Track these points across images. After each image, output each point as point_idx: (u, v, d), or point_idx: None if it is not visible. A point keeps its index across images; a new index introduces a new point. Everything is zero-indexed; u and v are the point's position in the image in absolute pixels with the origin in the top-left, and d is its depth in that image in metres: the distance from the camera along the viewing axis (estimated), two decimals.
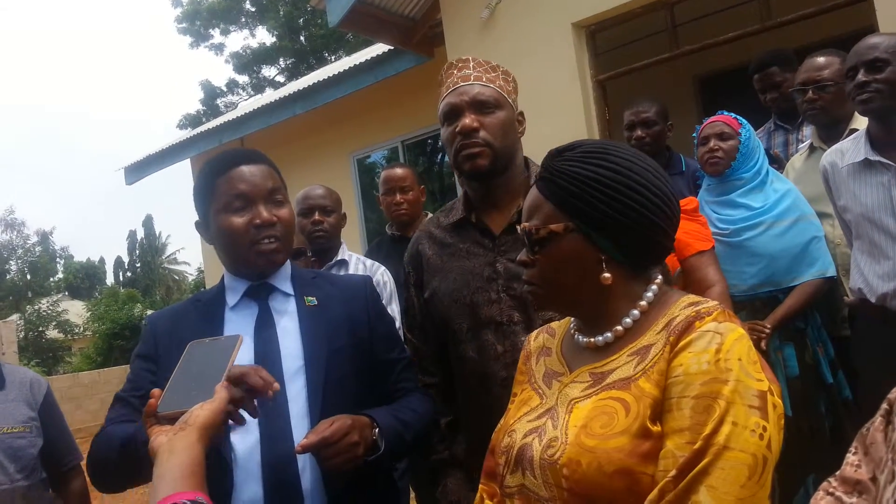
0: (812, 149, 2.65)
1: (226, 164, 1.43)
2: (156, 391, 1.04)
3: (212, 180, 1.43)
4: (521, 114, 1.62)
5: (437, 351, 1.67)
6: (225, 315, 1.44)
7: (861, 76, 2.02)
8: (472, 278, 1.55)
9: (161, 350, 1.41)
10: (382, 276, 2.68)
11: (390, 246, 3.06)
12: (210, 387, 1.02)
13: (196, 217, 1.51)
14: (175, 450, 0.91)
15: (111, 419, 1.37)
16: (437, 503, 1.64)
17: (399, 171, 3.05)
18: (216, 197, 1.41)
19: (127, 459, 1.23)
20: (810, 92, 2.52)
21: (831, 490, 0.83)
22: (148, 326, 1.49)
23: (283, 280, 1.49)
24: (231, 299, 1.45)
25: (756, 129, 3.20)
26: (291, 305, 1.46)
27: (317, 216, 2.70)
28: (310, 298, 1.47)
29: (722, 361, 0.86)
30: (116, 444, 1.27)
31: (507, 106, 1.56)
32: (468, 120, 1.50)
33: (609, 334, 1.01)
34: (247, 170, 1.42)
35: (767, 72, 3.07)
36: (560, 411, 0.99)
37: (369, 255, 3.12)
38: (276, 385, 1.12)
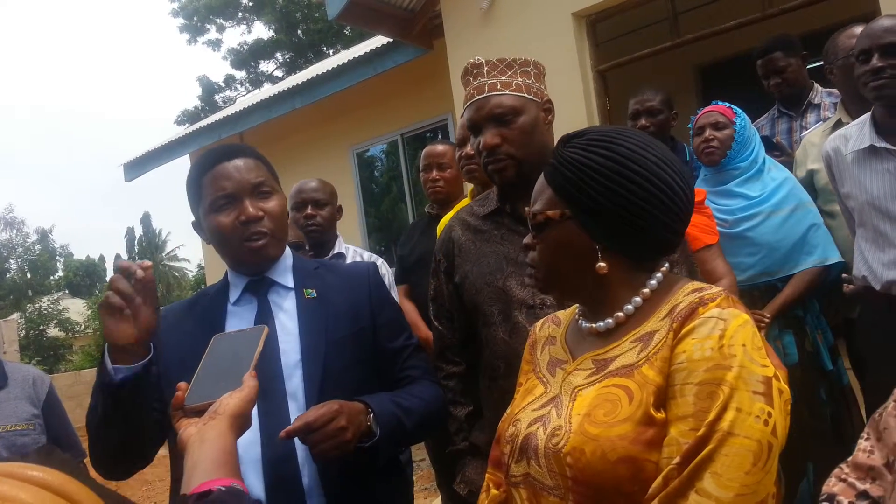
0: (839, 125, 2.54)
1: (209, 162, 1.40)
2: (182, 384, 1.03)
3: (198, 180, 1.41)
4: (549, 101, 1.60)
5: (462, 339, 1.68)
6: (227, 310, 1.43)
7: (876, 61, 1.95)
8: (507, 263, 1.56)
9: (163, 345, 1.39)
10: (380, 269, 2.66)
11: (426, 224, 2.99)
12: (237, 377, 1.01)
13: (192, 218, 1.49)
14: (206, 439, 0.90)
15: None
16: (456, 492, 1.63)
17: (439, 147, 2.94)
18: (203, 197, 1.39)
19: (106, 413, 1.18)
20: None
21: (843, 476, 0.83)
22: None
23: (284, 273, 1.47)
24: (233, 295, 1.45)
25: (758, 118, 3.20)
26: (291, 299, 1.44)
27: (309, 210, 2.67)
28: (309, 291, 1.45)
29: (725, 347, 0.86)
30: (94, 406, 1.22)
31: (529, 106, 1.54)
32: (488, 137, 1.52)
33: (610, 320, 1.00)
34: (230, 165, 1.39)
35: (771, 57, 3.04)
36: (564, 399, 0.99)
37: (408, 233, 3.07)
38: (147, 262, 1.15)
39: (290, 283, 1.46)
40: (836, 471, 0.84)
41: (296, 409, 1.31)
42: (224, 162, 1.39)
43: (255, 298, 1.43)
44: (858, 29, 2.33)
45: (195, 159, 1.47)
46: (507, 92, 1.53)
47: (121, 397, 1.16)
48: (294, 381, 1.34)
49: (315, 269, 1.54)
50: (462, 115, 1.61)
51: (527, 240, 1.06)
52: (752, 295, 2.36)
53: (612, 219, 0.96)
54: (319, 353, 1.37)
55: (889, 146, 1.99)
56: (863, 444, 0.83)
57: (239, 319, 1.40)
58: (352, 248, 2.78)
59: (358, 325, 1.45)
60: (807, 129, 2.92)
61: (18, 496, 0.49)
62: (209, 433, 0.91)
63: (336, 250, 2.74)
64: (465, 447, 1.63)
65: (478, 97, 1.54)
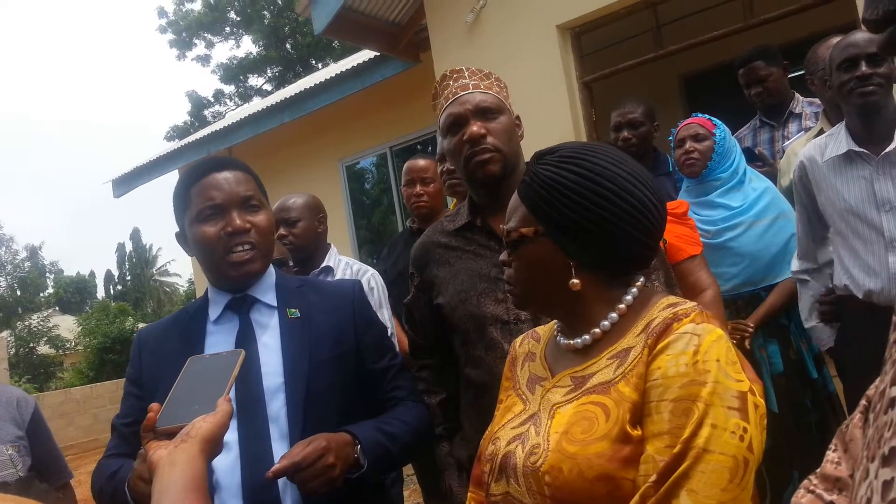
0: (821, 134, 2.57)
1: (199, 172, 1.40)
2: (154, 405, 1.02)
3: (186, 191, 1.40)
4: (518, 117, 1.63)
5: (434, 341, 1.70)
6: (207, 329, 1.40)
7: (865, 68, 1.98)
8: (479, 279, 1.55)
9: (145, 369, 1.39)
10: (369, 282, 2.59)
11: (408, 239, 2.95)
12: (211, 401, 1.00)
13: (177, 229, 1.47)
14: (177, 462, 0.88)
15: (108, 449, 1.37)
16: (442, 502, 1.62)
17: (421, 162, 2.92)
18: (190, 207, 1.38)
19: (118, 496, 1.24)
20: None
21: (812, 487, 0.83)
22: (135, 344, 1.46)
23: (267, 291, 1.44)
24: (213, 313, 1.42)
25: (741, 128, 3.23)
26: (274, 318, 1.41)
27: (281, 230, 2.61)
28: (292, 310, 1.42)
29: (700, 363, 0.86)
30: (104, 480, 1.30)
31: (507, 111, 1.57)
32: (475, 127, 1.50)
33: (587, 336, 1.01)
34: (220, 177, 1.38)
35: (752, 66, 3.07)
36: (542, 417, 0.98)
37: (389, 247, 3.05)
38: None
39: (274, 302, 1.44)
40: (805, 482, 0.84)
41: (277, 433, 1.29)
42: (214, 173, 1.38)
43: (236, 317, 1.41)
44: (838, 40, 2.36)
45: (184, 171, 1.46)
46: (490, 92, 1.56)
47: None
48: (276, 404, 1.31)
49: (298, 287, 1.50)
50: (440, 116, 1.59)
51: (503, 257, 1.07)
52: (736, 305, 2.38)
53: (584, 235, 0.97)
54: (302, 376, 1.34)
55: (865, 151, 2.02)
56: (831, 455, 0.83)
57: (219, 339, 1.38)
58: (343, 261, 2.71)
59: (342, 347, 1.42)
60: (788, 139, 2.95)
61: None
62: (180, 457, 0.89)
63: (325, 263, 2.67)
64: (441, 432, 1.64)
65: (462, 94, 1.55)
